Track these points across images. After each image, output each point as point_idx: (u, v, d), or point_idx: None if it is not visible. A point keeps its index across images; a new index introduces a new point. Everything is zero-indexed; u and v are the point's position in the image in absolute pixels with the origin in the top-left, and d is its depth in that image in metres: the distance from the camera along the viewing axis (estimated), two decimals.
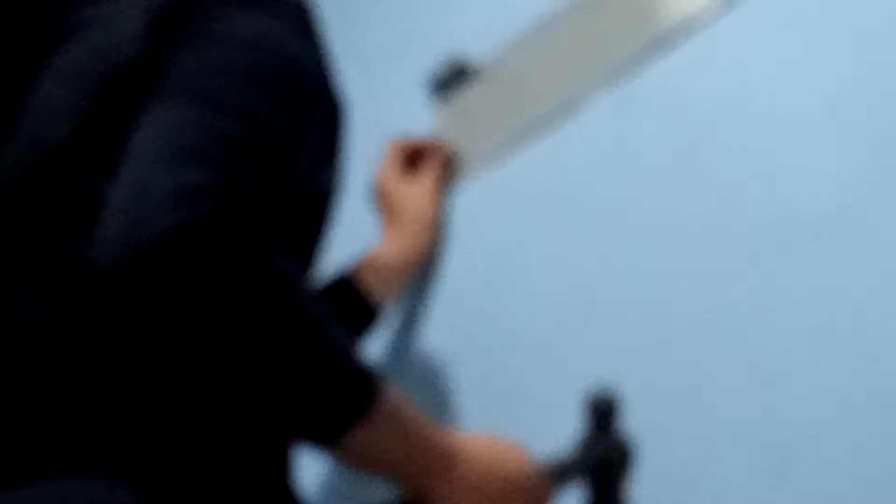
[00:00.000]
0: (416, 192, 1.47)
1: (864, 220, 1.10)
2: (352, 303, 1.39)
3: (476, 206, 1.51)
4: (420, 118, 1.63)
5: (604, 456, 1.09)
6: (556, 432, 1.23)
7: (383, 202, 1.47)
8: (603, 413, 1.10)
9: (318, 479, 1.51)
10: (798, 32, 1.24)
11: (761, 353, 1.13)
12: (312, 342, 0.86)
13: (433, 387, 1.42)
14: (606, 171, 1.36)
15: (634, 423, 1.17)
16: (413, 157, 1.54)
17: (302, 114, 1.00)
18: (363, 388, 0.89)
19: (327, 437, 0.89)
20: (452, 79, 1.63)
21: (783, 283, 1.13)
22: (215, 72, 0.97)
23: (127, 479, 0.86)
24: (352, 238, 1.50)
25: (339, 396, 0.88)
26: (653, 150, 1.32)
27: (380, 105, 1.66)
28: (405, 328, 1.51)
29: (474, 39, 1.64)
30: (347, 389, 0.88)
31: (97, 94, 1.00)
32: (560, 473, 1.07)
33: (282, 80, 1.00)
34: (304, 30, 1.08)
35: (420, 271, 1.49)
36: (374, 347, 1.52)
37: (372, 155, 1.55)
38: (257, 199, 0.87)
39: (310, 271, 1.07)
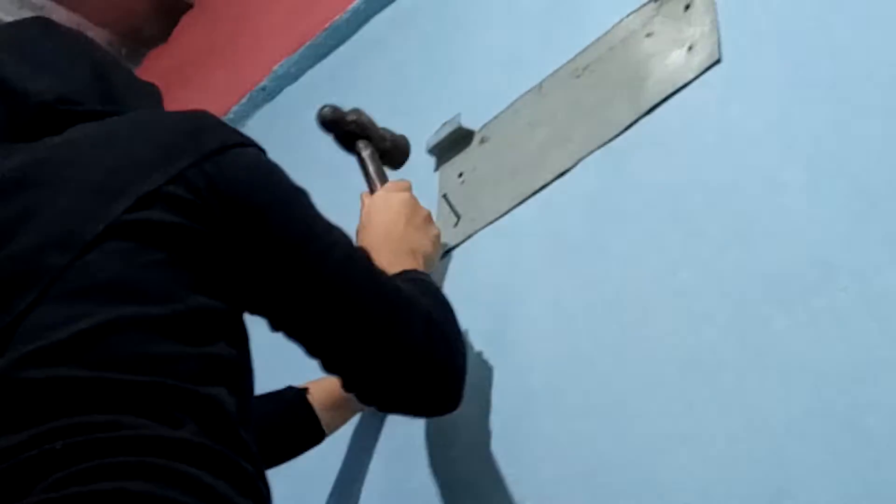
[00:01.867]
0: None
1: (848, 273, 1.10)
2: (306, 419, 1.44)
3: (474, 263, 1.53)
4: (424, 181, 1.65)
5: None
6: (554, 476, 1.26)
7: None
8: None
9: None
10: (780, 89, 1.26)
11: (751, 402, 1.12)
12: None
13: (430, 434, 1.43)
14: (598, 227, 1.38)
15: (626, 469, 1.19)
16: None
17: None
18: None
19: None
20: (453, 143, 1.66)
21: (771, 334, 1.14)
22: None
23: None
24: None
25: None
26: (642, 206, 1.34)
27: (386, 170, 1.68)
28: None
29: (473, 106, 1.67)
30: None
31: None
32: None
33: None
34: None
35: None
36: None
37: None
38: None
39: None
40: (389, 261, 1.28)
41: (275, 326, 1.15)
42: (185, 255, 1.03)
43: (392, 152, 1.56)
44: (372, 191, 1.49)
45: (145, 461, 0.87)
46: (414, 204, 1.46)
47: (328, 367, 1.17)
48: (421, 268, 1.36)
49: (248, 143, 1.14)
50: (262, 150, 1.15)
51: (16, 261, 0.99)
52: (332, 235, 1.15)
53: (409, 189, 1.49)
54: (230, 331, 1.06)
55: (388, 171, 1.55)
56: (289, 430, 1.43)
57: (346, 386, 1.20)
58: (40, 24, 1.28)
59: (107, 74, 1.23)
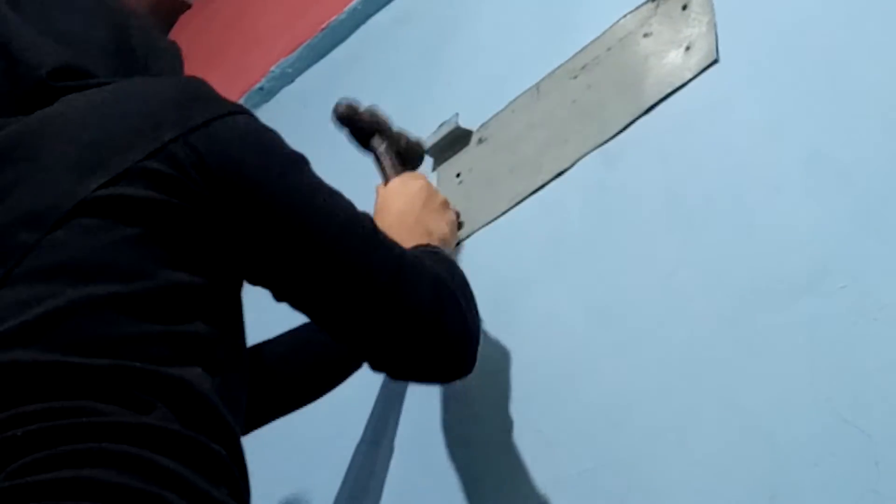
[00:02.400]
0: None
1: (846, 273, 1.11)
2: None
3: (472, 263, 1.51)
4: None
5: None
6: (553, 477, 1.27)
7: None
8: None
9: None
10: (778, 90, 1.27)
11: (749, 403, 1.13)
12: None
13: (431, 435, 1.43)
14: (596, 227, 1.39)
15: (624, 469, 1.19)
16: None
17: None
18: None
19: None
20: (451, 143, 1.67)
21: (769, 334, 1.14)
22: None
23: None
24: None
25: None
26: (640, 207, 1.34)
27: None
28: None
29: (471, 107, 1.68)
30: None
31: None
32: None
33: None
34: None
35: None
36: (372, 393, 1.54)
37: None
38: None
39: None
40: (404, 239, 1.23)
41: (278, 297, 1.12)
42: (161, 231, 1.00)
43: (406, 153, 1.55)
44: (386, 182, 1.48)
45: (107, 448, 0.84)
46: (431, 190, 1.44)
47: (336, 337, 1.14)
48: (438, 245, 1.33)
49: (238, 111, 1.10)
50: (254, 117, 1.12)
51: None
52: (332, 201, 1.12)
53: (425, 179, 1.47)
54: (211, 308, 1.03)
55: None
56: (331, 355, 1.39)
57: (356, 354, 1.17)
58: None
59: (125, 37, 1.19)
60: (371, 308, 1.11)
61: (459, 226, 1.55)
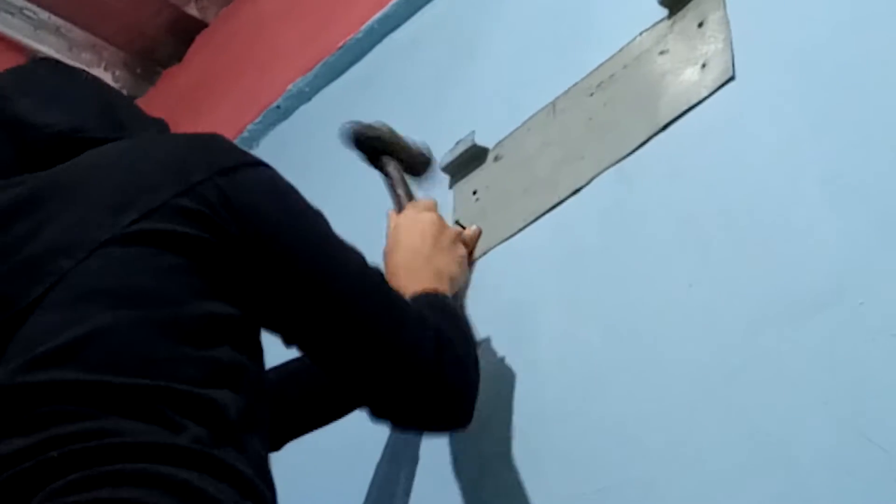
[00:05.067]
0: None
1: (864, 288, 1.10)
2: None
3: (488, 280, 1.53)
4: (439, 199, 1.63)
5: None
6: (569, 493, 1.26)
7: None
8: None
9: None
10: (794, 107, 1.27)
11: (765, 419, 1.12)
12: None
13: (444, 451, 1.43)
14: (611, 244, 1.39)
15: (640, 486, 1.19)
16: None
17: None
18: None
19: None
20: (468, 161, 1.67)
21: (785, 355, 1.14)
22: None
23: None
24: None
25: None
26: (655, 224, 1.34)
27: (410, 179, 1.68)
28: None
29: (487, 125, 1.68)
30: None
31: None
32: None
33: None
34: None
35: None
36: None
37: None
38: None
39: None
40: (414, 282, 1.30)
41: (287, 341, 1.16)
42: (194, 262, 1.03)
43: (415, 161, 1.56)
44: (398, 208, 1.49)
45: (144, 469, 0.87)
46: (441, 224, 1.46)
47: (339, 382, 1.20)
48: (445, 289, 1.36)
49: (263, 164, 1.15)
50: (275, 171, 1.16)
51: (25, 267, 1.01)
52: (344, 254, 1.17)
53: (435, 208, 1.49)
54: (240, 337, 1.06)
55: (412, 179, 1.55)
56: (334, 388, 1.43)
57: (357, 400, 1.21)
58: (47, 65, 1.32)
59: (113, 107, 1.25)
60: (374, 359, 1.16)
61: (471, 259, 1.55)
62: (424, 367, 1.17)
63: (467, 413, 1.24)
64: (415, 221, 1.45)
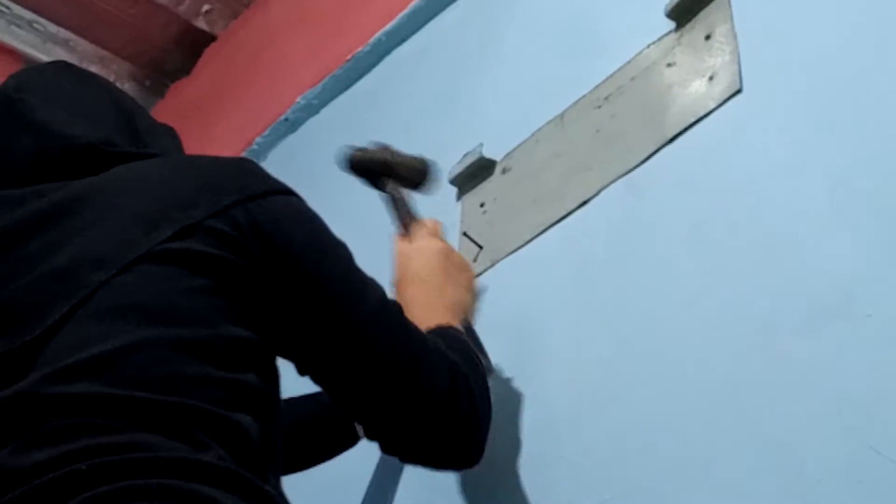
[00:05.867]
0: None
1: (872, 300, 1.11)
2: (342, 420, 1.44)
3: (496, 292, 1.53)
4: (446, 211, 1.67)
5: None
6: (578, 502, 1.26)
7: None
8: None
9: None
10: (802, 119, 1.27)
11: (774, 430, 1.12)
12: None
13: None
14: (620, 256, 1.39)
15: (649, 497, 1.19)
16: None
17: None
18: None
19: None
20: (475, 173, 1.68)
21: (794, 365, 1.14)
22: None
23: None
24: None
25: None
26: (663, 236, 1.34)
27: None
28: None
29: (495, 137, 1.69)
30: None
31: None
32: None
33: None
34: None
35: None
36: None
37: None
38: None
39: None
40: (427, 315, 1.29)
41: (301, 371, 1.16)
42: (224, 285, 1.04)
43: (415, 177, 1.55)
44: (403, 231, 1.49)
45: (173, 484, 0.87)
46: (447, 252, 1.44)
47: (350, 415, 1.19)
48: (458, 320, 1.35)
49: (292, 193, 1.16)
50: (304, 200, 1.17)
51: (53, 278, 1.01)
52: (365, 287, 1.17)
53: (440, 231, 1.48)
54: (262, 363, 1.07)
55: (415, 193, 1.55)
56: (325, 429, 1.44)
57: (368, 434, 1.21)
58: (61, 68, 1.32)
59: (131, 117, 1.26)
60: (388, 393, 1.15)
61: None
62: (439, 402, 1.17)
63: (478, 450, 1.23)
64: (421, 252, 1.42)
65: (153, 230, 1.04)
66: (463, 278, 1.44)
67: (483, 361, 1.30)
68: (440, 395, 1.17)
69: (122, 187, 1.10)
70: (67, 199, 1.08)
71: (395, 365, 1.15)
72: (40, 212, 1.07)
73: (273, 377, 1.09)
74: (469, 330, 1.38)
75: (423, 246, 1.43)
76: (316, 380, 1.16)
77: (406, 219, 1.48)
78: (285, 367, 1.13)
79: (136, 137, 1.22)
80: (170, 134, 1.32)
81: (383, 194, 1.51)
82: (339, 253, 1.17)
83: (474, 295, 1.46)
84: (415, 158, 1.55)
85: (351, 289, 1.15)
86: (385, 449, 1.21)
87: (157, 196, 1.08)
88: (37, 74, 1.28)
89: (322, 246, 1.15)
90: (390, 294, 1.21)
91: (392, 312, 1.18)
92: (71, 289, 0.99)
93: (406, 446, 1.21)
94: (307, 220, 1.15)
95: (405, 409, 1.16)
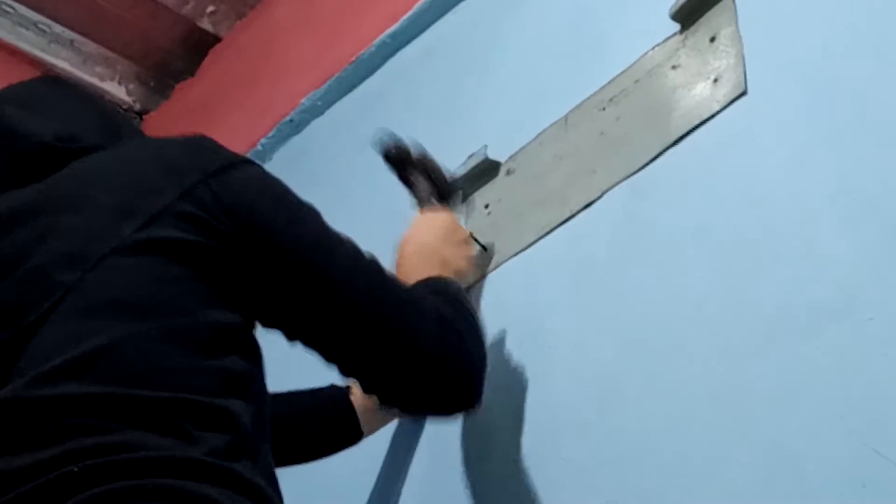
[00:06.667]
0: None
1: (874, 303, 1.10)
2: (345, 417, 1.46)
3: (500, 294, 1.53)
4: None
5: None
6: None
7: None
8: None
9: None
10: (806, 121, 1.27)
11: (776, 433, 1.12)
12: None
13: (460, 465, 1.43)
14: (624, 258, 1.39)
15: (651, 498, 1.19)
16: None
17: None
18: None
19: None
20: (480, 175, 1.67)
21: (796, 368, 1.14)
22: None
23: None
24: None
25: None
26: (667, 238, 1.34)
27: None
28: None
29: (499, 138, 1.69)
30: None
31: None
32: None
33: None
34: None
35: None
36: (403, 424, 1.55)
37: None
38: None
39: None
40: (420, 269, 1.32)
41: (290, 337, 1.17)
42: (200, 270, 1.04)
43: (444, 187, 1.58)
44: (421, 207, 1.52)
45: (166, 483, 0.87)
46: (455, 224, 1.49)
47: (344, 372, 1.19)
48: (450, 277, 1.37)
49: (251, 162, 1.16)
50: (264, 168, 1.18)
51: (28, 278, 1.00)
52: (338, 245, 1.17)
53: (454, 214, 1.53)
54: (244, 345, 1.07)
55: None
56: (328, 426, 1.46)
57: (365, 388, 1.21)
58: (48, 81, 1.33)
59: (108, 117, 1.26)
60: (377, 347, 1.16)
61: (489, 259, 1.56)
62: (427, 350, 1.18)
63: (474, 394, 1.24)
64: (431, 218, 1.49)
65: (123, 220, 1.04)
66: (463, 249, 1.47)
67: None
68: (427, 340, 1.18)
69: (88, 180, 1.10)
70: (38, 198, 1.08)
71: (378, 317, 1.16)
72: (13, 212, 1.07)
73: (256, 356, 1.09)
74: (462, 291, 1.38)
75: (433, 214, 1.49)
76: (305, 342, 1.17)
77: (426, 199, 1.52)
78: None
79: (111, 135, 1.21)
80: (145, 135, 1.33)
81: (408, 181, 1.53)
82: (308, 215, 1.17)
83: (471, 267, 1.48)
84: (450, 173, 1.57)
85: (324, 249, 1.15)
86: (383, 401, 1.22)
87: (121, 186, 1.08)
88: (15, 87, 1.28)
89: (291, 211, 1.15)
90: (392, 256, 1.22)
91: (368, 265, 1.19)
92: (47, 288, 0.99)
93: (402, 396, 1.22)
94: (270, 186, 1.15)
95: (395, 359, 1.17)
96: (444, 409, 1.28)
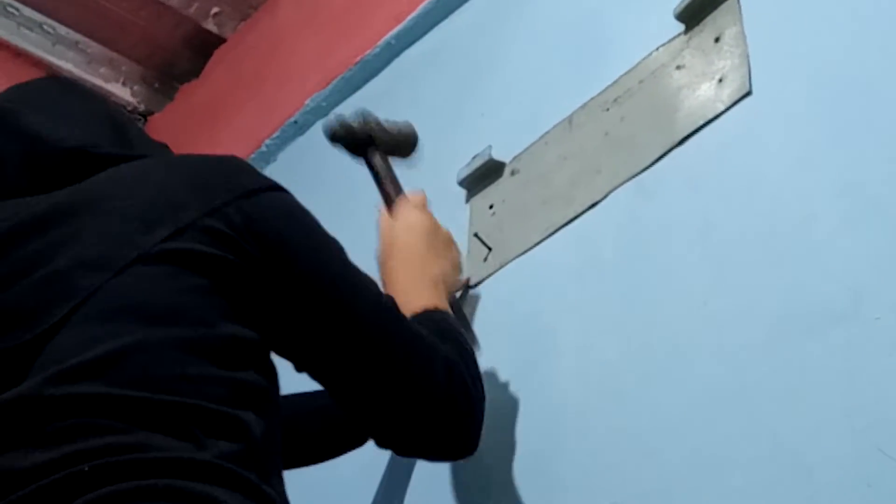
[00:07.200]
0: None
1: (881, 303, 1.10)
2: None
3: (505, 295, 1.53)
4: (455, 213, 1.68)
5: None
6: None
7: None
8: None
9: None
10: (811, 121, 1.27)
11: (782, 433, 1.12)
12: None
13: (462, 469, 1.43)
14: (628, 258, 1.39)
15: (656, 500, 1.19)
16: None
17: None
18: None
19: None
20: (484, 175, 1.67)
21: (802, 368, 1.14)
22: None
23: None
24: None
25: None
26: (672, 238, 1.34)
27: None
28: None
29: (504, 139, 1.69)
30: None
31: None
32: None
33: None
34: None
35: None
36: None
37: None
38: None
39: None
40: (411, 292, 1.31)
41: (299, 367, 1.17)
42: (221, 284, 1.05)
43: (399, 144, 1.53)
44: (387, 202, 1.47)
45: (176, 484, 0.87)
46: (433, 226, 1.46)
47: (347, 411, 1.20)
48: (443, 297, 1.37)
49: (283, 189, 1.16)
50: (294, 196, 1.18)
51: (50, 281, 1.01)
52: (359, 284, 1.18)
53: (425, 203, 1.49)
54: (261, 361, 1.07)
55: (399, 160, 1.54)
56: (334, 428, 1.44)
57: (365, 430, 1.22)
58: (56, 83, 1.33)
59: (123, 128, 1.26)
60: (384, 388, 1.16)
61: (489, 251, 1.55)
62: (436, 396, 1.18)
63: (474, 440, 1.25)
64: (408, 227, 1.43)
65: (149, 230, 1.04)
66: (448, 255, 1.45)
67: (469, 337, 1.30)
68: (437, 389, 1.18)
69: (114, 190, 1.10)
70: (62, 203, 1.09)
71: (390, 360, 1.16)
72: (36, 216, 1.07)
73: (272, 374, 1.10)
74: (454, 306, 1.38)
75: (409, 221, 1.44)
76: (313, 376, 1.17)
77: (391, 191, 1.47)
78: (284, 366, 1.14)
79: (127, 145, 1.22)
80: (162, 147, 1.32)
81: (367, 166, 1.50)
82: (332, 250, 1.18)
83: (457, 269, 1.47)
84: (399, 126, 1.53)
85: (346, 285, 1.16)
86: (380, 443, 1.22)
87: (149, 197, 1.08)
88: (26, 87, 1.28)
89: (317, 242, 1.16)
90: (375, 272, 1.21)
91: (387, 308, 1.19)
92: (69, 291, 0.99)
93: (403, 440, 1.21)
94: (299, 216, 1.16)
95: (402, 403, 1.17)
96: (441, 454, 1.28)
